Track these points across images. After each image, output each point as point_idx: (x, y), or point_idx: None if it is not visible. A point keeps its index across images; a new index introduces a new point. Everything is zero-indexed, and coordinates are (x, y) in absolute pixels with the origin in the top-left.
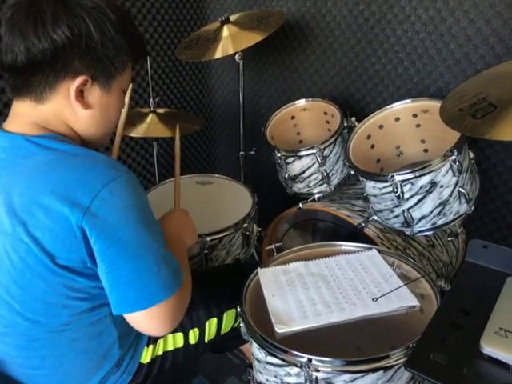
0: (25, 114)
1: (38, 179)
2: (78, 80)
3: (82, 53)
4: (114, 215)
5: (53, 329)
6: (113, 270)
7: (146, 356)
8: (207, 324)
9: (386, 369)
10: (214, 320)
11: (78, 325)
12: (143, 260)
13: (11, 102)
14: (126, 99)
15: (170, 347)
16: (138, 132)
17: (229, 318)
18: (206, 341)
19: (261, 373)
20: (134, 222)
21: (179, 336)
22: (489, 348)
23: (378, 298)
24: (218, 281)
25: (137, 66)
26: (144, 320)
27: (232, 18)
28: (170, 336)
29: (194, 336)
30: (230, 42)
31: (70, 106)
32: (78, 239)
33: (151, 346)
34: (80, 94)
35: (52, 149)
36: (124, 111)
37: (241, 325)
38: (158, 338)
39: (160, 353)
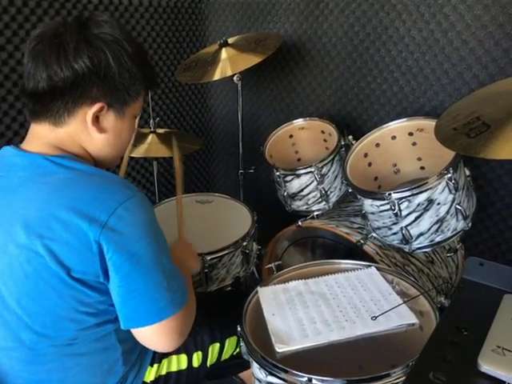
0: (43, 135)
1: (56, 195)
2: (95, 107)
3: (100, 81)
4: (129, 231)
5: (59, 343)
6: (126, 284)
7: (150, 375)
8: (210, 348)
9: None
10: (217, 345)
11: (84, 340)
12: (155, 274)
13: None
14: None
15: (174, 368)
16: (138, 152)
17: (230, 344)
18: (208, 365)
19: None
20: (146, 238)
21: (183, 358)
22: (486, 366)
23: (377, 317)
24: (223, 306)
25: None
26: (152, 335)
27: (230, 40)
28: (175, 357)
29: (197, 359)
30: (229, 64)
31: (85, 130)
32: (93, 253)
33: (155, 366)
34: (96, 119)
35: (70, 168)
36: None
37: (241, 344)
38: (163, 357)
39: (163, 373)
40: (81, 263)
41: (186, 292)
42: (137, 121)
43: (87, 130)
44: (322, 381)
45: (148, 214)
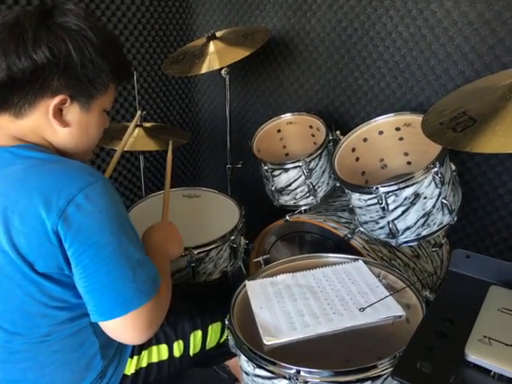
0: (4, 127)
1: (14, 187)
2: (57, 99)
3: (61, 73)
4: (88, 220)
5: (33, 340)
6: (87, 275)
7: (130, 367)
8: (192, 336)
9: (373, 379)
10: (199, 332)
11: (58, 335)
12: (118, 265)
13: None
14: (133, 124)
15: (155, 359)
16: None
17: (214, 331)
18: (191, 354)
19: None
20: (108, 227)
21: (164, 348)
22: (473, 356)
23: (364, 309)
24: (204, 294)
25: (121, 86)
26: (119, 328)
27: (218, 34)
28: (155, 347)
29: (178, 348)
30: (216, 57)
31: (48, 123)
32: (53, 245)
33: (135, 357)
34: (59, 113)
35: (28, 157)
36: (128, 133)
37: (229, 337)
38: (142, 349)
39: (144, 364)
40: (42, 256)
41: (156, 282)
42: (133, 124)
43: (50, 123)
44: (310, 372)
45: (110, 202)
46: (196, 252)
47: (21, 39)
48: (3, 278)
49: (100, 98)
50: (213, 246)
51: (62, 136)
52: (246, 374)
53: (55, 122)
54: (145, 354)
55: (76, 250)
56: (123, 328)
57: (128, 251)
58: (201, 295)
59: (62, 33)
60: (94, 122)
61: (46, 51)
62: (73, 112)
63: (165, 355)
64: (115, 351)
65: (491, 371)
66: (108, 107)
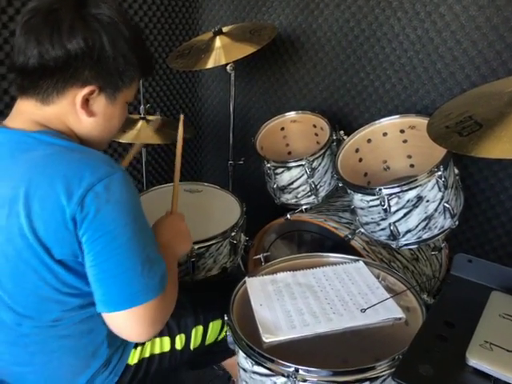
0: (28, 112)
1: (35, 172)
2: (86, 89)
3: (93, 64)
4: (105, 209)
5: (43, 324)
6: (97, 264)
7: (134, 357)
8: (193, 331)
9: (372, 380)
10: (200, 328)
11: (68, 321)
12: (128, 257)
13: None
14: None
15: (157, 350)
16: (127, 138)
17: (214, 328)
18: (192, 348)
19: (247, 383)
20: (124, 218)
21: (166, 340)
22: (474, 360)
23: (365, 310)
24: (207, 291)
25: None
26: (122, 322)
27: (225, 29)
28: (158, 339)
29: (180, 341)
30: (223, 52)
31: (74, 112)
32: (70, 231)
33: (139, 348)
34: (85, 102)
35: (51, 143)
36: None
37: (227, 334)
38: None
39: (147, 355)
40: (58, 243)
41: (164, 279)
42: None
43: (76, 112)
44: (309, 371)
45: (128, 194)
46: (196, 247)
47: (56, 27)
48: (20, 261)
49: (125, 90)
50: (213, 241)
51: (85, 125)
52: (244, 370)
53: (82, 112)
54: (148, 345)
55: (90, 237)
56: (126, 323)
57: (140, 245)
58: (204, 291)
59: (96, 25)
60: (117, 114)
61: (81, 42)
62: (99, 103)
63: (167, 347)
64: (121, 341)
65: (491, 376)
66: (131, 99)
